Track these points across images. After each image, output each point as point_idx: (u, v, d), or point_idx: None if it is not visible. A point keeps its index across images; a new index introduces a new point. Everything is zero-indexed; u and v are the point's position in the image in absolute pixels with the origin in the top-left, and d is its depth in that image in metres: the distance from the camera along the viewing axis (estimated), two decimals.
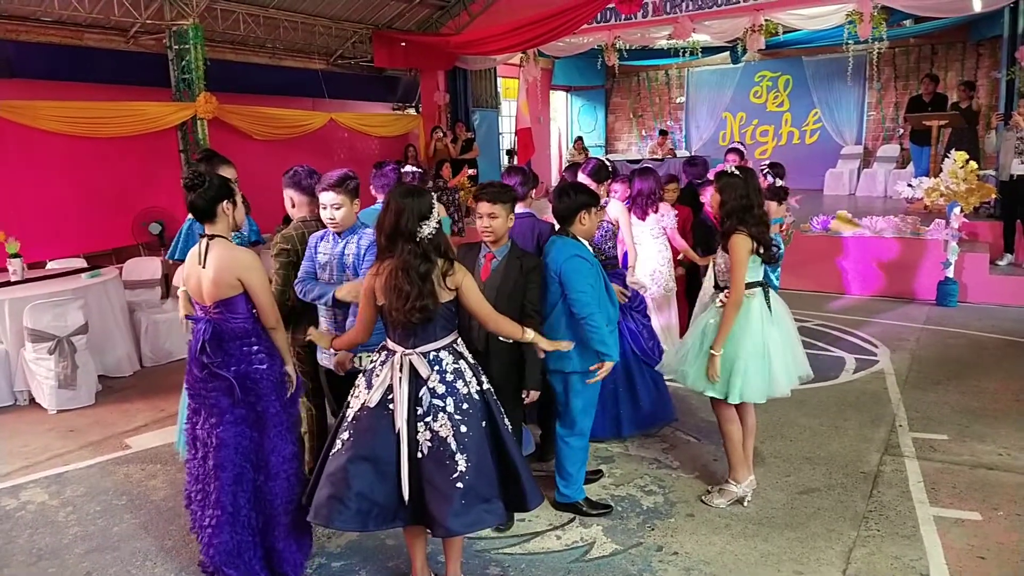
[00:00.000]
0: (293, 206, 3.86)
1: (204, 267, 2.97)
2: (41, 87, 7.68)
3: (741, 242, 3.55)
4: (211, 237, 3.00)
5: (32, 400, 5.64)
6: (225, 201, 3.01)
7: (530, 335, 3.11)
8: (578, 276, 3.44)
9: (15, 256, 6.12)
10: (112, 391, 5.94)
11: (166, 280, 6.94)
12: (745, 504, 3.77)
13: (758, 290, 3.67)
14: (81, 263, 7.12)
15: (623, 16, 10.36)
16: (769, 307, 3.68)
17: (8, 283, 6.02)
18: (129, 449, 4.78)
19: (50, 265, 7.03)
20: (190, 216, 3.92)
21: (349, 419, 2.89)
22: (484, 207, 3.42)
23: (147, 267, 7.10)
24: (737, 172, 3.70)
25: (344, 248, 3.51)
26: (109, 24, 8.25)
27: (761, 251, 3.61)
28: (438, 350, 2.86)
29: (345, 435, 2.86)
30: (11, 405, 5.65)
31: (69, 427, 5.20)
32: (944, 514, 3.64)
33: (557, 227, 3.69)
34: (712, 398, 3.73)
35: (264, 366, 3.04)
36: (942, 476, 4.02)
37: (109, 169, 7.72)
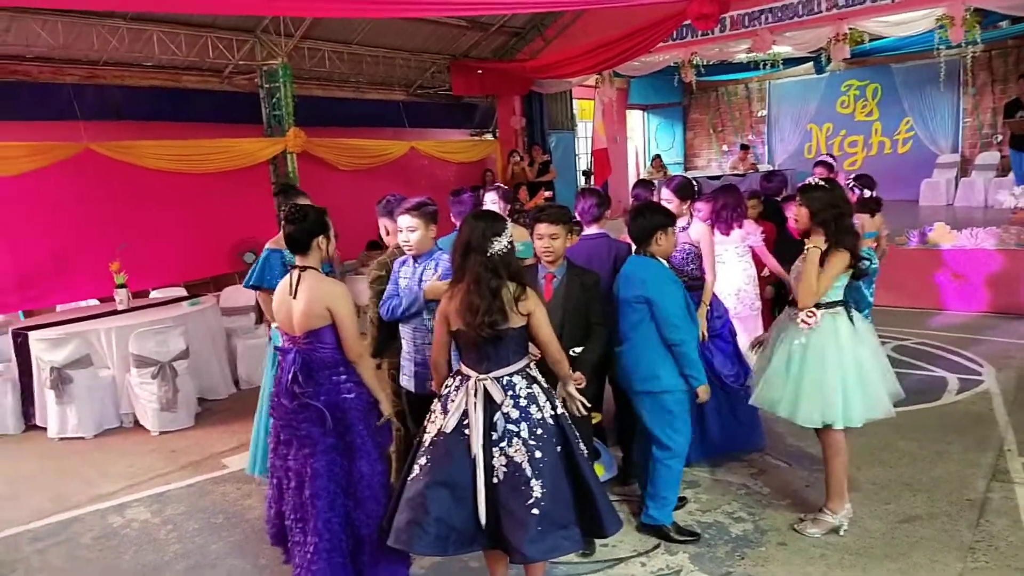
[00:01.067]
0: (388, 234, 3.99)
1: (295, 298, 3.07)
2: (145, 128, 8.20)
3: (839, 259, 3.43)
4: (303, 269, 3.11)
5: (136, 422, 5.97)
6: (321, 236, 3.13)
7: (571, 387, 3.04)
8: (672, 302, 3.48)
9: (121, 287, 6.52)
10: (210, 413, 6.23)
11: (259, 307, 7.24)
12: (841, 533, 3.60)
13: (841, 309, 3.53)
14: (182, 292, 7.53)
15: (700, 32, 10.21)
16: (853, 325, 3.53)
17: (115, 312, 6.42)
18: (226, 469, 4.99)
19: (153, 294, 7.47)
20: (267, 245, 4.09)
21: (426, 444, 2.92)
22: (545, 228, 3.52)
23: (242, 295, 7.39)
24: (822, 183, 3.61)
25: (422, 273, 3.57)
26: (205, 66, 8.76)
27: (853, 264, 3.48)
28: (511, 375, 2.87)
29: (423, 460, 2.89)
30: (117, 427, 6.00)
31: (170, 448, 5.48)
32: None
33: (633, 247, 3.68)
34: (818, 429, 3.57)
35: (352, 395, 3.10)
36: None
37: (206, 203, 8.13)
